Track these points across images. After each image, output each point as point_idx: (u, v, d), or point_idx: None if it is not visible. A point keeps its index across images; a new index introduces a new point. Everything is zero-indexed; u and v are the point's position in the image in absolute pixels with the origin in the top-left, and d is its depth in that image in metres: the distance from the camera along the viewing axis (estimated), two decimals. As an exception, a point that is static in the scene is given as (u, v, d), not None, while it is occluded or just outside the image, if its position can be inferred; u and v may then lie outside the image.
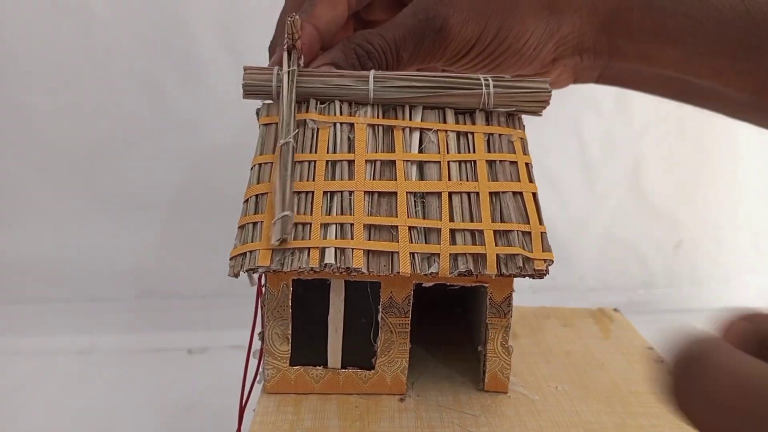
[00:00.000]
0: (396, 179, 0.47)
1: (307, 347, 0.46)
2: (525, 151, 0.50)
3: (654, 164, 1.15)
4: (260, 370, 0.48)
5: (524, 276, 0.43)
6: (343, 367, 0.47)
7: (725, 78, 0.57)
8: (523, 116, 0.52)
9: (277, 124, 0.49)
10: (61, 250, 1.00)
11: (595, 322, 0.64)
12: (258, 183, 0.46)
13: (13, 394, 0.86)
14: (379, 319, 0.46)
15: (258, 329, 0.48)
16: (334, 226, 0.44)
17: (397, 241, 0.43)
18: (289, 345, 0.46)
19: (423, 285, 0.45)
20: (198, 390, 0.89)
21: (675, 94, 0.64)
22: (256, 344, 0.48)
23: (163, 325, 1.01)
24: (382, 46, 0.53)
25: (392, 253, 0.43)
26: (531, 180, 0.48)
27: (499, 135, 0.50)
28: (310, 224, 0.43)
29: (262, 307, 0.46)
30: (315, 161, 0.47)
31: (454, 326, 0.60)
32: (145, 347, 0.98)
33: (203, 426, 0.84)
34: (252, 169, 0.48)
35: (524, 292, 1.12)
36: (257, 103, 0.52)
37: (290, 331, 0.46)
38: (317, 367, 0.47)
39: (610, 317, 0.65)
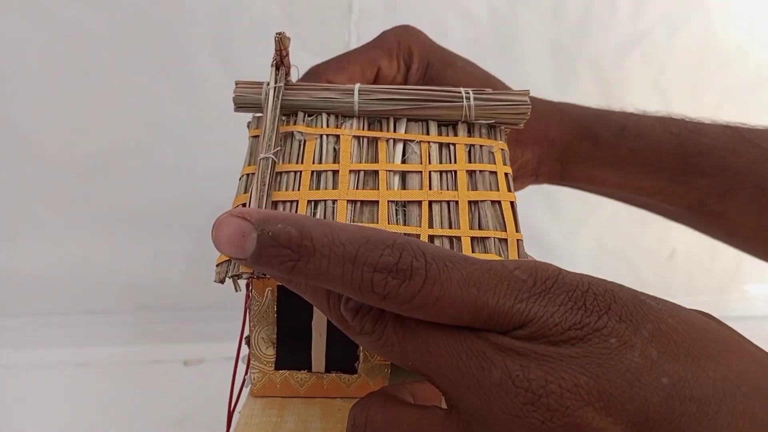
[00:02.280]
0: (378, 188, 0.48)
1: (292, 352, 0.48)
2: (505, 162, 0.51)
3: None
4: (248, 374, 0.49)
5: (501, 281, 0.44)
6: (327, 371, 0.48)
7: (662, 196, 0.67)
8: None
9: (264, 135, 0.50)
10: (57, 263, 1.01)
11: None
12: (245, 192, 0.48)
13: (10, 408, 0.87)
14: (362, 324, 0.47)
15: (246, 334, 0.49)
16: (316, 233, 0.45)
17: (378, 248, 0.44)
18: (275, 349, 0.47)
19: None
20: (194, 401, 0.90)
21: (621, 200, 0.74)
22: (245, 350, 0.50)
23: (159, 338, 1.02)
24: None
25: (373, 259, 0.44)
26: (510, 189, 0.49)
27: (480, 146, 0.52)
28: (294, 231, 0.45)
29: (249, 313, 0.47)
30: (300, 171, 0.49)
31: None
32: (141, 359, 0.99)
33: (199, 437, 0.85)
34: (240, 179, 0.49)
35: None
36: (250, 117, 0.54)
37: (276, 336, 0.47)
38: (302, 372, 0.48)
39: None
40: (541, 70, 1.07)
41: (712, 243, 1.28)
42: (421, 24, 1.04)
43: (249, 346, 0.48)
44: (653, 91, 1.13)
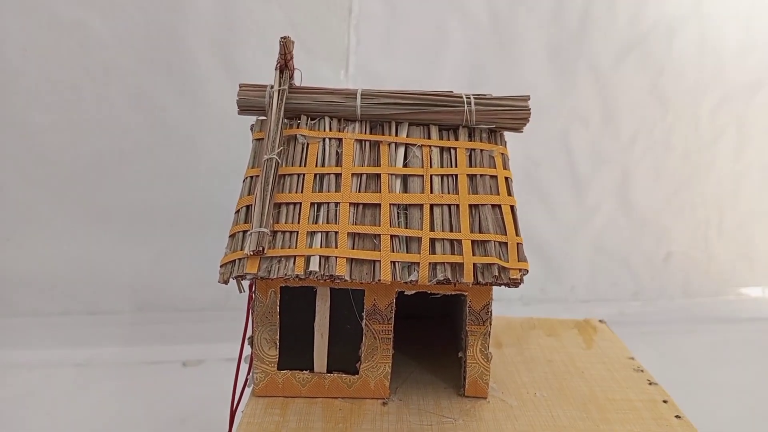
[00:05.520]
0: (380, 191, 0.49)
1: (294, 352, 0.48)
2: (505, 166, 0.52)
3: (642, 176, 1.16)
4: (250, 374, 0.50)
5: (500, 284, 0.45)
6: (329, 371, 0.49)
7: None
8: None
9: (268, 138, 0.51)
10: (59, 263, 1.01)
11: (579, 332, 0.66)
12: (249, 194, 0.48)
13: (11, 407, 0.87)
14: (363, 325, 0.47)
15: (249, 335, 0.50)
16: (319, 234, 0.46)
17: (380, 250, 0.45)
18: (277, 350, 0.48)
19: (405, 293, 0.47)
20: (193, 402, 0.90)
21: None
22: (248, 350, 0.50)
23: (159, 338, 1.02)
24: None
25: (374, 261, 0.45)
26: (510, 193, 0.50)
27: (481, 150, 0.52)
28: (297, 233, 0.45)
29: (252, 314, 0.48)
30: (304, 174, 0.49)
31: (443, 334, 0.62)
32: (140, 360, 0.99)
33: (197, 437, 0.86)
34: (244, 181, 0.50)
35: (514, 304, 1.14)
36: (253, 120, 0.55)
37: (278, 337, 0.48)
38: (304, 372, 0.49)
39: (595, 328, 0.67)
40: (541, 73, 1.07)
41: (708, 246, 1.30)
42: (421, 26, 1.05)
43: (252, 347, 0.48)
44: (651, 94, 1.13)
